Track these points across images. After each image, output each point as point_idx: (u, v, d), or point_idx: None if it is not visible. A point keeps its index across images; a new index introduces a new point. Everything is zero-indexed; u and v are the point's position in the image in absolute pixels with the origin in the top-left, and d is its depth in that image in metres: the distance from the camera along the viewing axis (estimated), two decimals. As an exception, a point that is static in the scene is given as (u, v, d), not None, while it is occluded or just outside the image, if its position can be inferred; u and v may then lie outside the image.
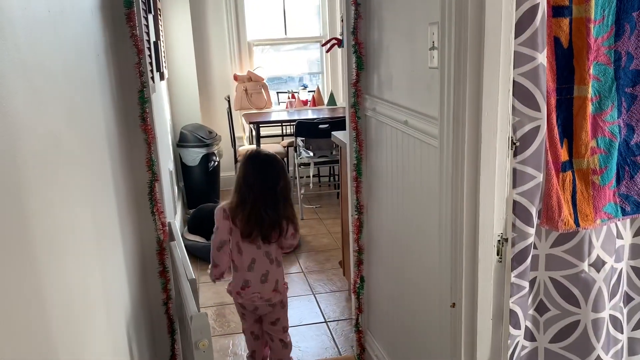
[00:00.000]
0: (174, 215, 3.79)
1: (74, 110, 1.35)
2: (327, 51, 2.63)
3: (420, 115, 1.74)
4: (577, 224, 1.62)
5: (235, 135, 5.11)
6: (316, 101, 5.39)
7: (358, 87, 2.25)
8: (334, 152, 4.75)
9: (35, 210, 0.96)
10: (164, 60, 3.97)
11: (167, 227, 2.24)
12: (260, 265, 2.19)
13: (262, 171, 2.14)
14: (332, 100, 5.37)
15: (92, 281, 1.37)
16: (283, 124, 5.34)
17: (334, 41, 2.55)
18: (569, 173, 1.63)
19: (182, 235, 3.98)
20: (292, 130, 4.98)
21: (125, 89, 2.03)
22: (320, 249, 4.04)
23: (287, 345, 2.37)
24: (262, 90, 5.34)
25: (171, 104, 4.98)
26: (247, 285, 2.21)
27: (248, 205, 2.12)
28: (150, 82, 2.76)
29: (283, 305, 2.29)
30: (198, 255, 3.84)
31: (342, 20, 2.46)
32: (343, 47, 2.57)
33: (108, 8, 1.93)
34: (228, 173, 5.25)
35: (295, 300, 3.24)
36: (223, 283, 2.38)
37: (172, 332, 2.31)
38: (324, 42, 2.55)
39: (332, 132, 3.13)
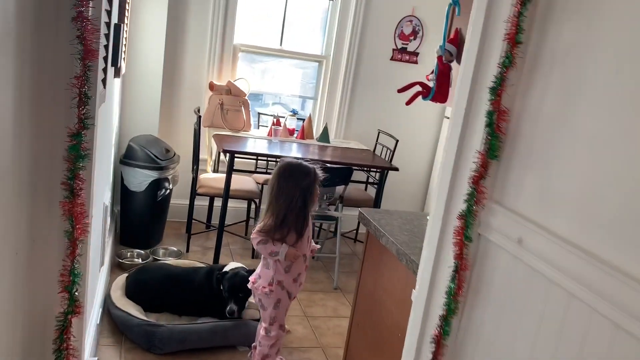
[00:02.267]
0: (100, 262, 2.60)
1: None
2: (408, 103, 1.59)
3: None
4: None
5: (200, 158, 3.98)
6: (305, 133, 4.34)
7: (481, 186, 1.25)
8: (325, 205, 3.72)
9: None
10: (123, 51, 2.84)
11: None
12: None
13: (276, 183, 2.39)
14: (324, 136, 4.33)
15: None
16: (259, 157, 4.26)
17: (418, 87, 1.53)
18: None
19: (111, 299, 2.81)
20: (272, 165, 3.93)
21: (44, 124, 0.93)
22: (292, 344, 2.92)
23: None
24: (242, 107, 4.24)
25: (122, 107, 3.80)
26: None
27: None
28: (100, 86, 1.68)
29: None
30: (128, 336, 2.67)
31: (449, 59, 1.45)
32: (430, 99, 1.57)
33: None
34: (180, 201, 4.12)
35: None
36: None
37: None
38: (400, 87, 1.53)
39: (360, 210, 2.11)
